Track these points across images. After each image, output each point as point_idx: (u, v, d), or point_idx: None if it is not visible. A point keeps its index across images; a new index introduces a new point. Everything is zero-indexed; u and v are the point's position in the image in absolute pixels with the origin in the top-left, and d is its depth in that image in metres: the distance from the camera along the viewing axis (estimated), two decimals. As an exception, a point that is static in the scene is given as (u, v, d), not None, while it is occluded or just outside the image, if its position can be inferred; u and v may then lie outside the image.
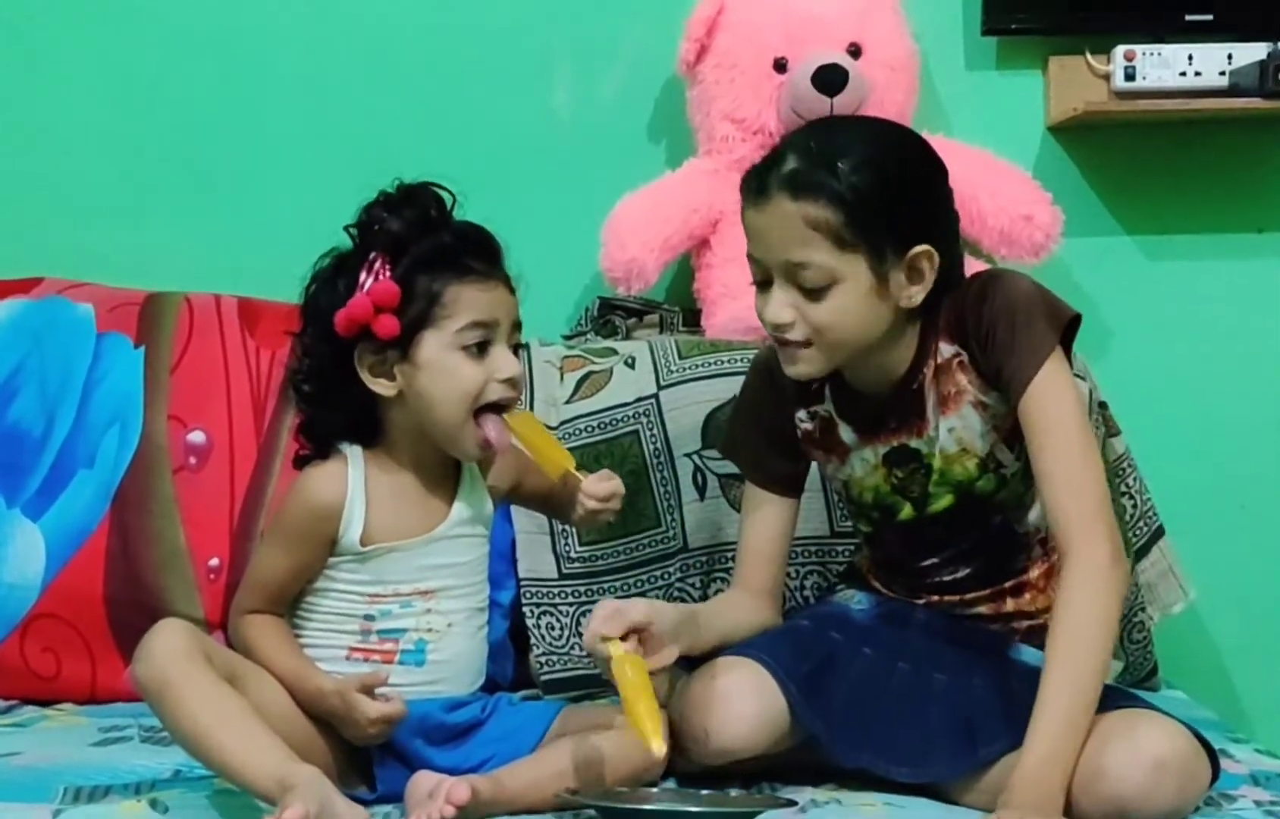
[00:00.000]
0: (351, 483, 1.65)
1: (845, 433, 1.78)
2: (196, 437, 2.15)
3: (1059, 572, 1.64)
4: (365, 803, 1.57)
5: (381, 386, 1.64)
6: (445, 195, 1.68)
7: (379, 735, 1.61)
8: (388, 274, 1.62)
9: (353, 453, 1.67)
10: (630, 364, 2.19)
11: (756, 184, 1.69)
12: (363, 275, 1.63)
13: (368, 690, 1.59)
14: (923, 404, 1.72)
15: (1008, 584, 1.77)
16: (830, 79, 2.27)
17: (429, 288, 1.62)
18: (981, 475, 1.72)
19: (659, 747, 1.52)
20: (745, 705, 1.66)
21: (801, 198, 1.64)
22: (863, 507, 1.80)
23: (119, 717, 1.93)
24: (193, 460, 2.14)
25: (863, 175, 1.64)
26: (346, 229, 1.68)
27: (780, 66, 2.31)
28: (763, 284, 1.70)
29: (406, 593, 1.66)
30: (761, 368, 1.85)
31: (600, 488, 1.74)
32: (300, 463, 1.70)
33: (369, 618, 1.65)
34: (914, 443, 1.74)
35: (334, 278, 1.66)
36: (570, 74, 2.43)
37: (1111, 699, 1.65)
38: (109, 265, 2.30)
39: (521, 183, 2.39)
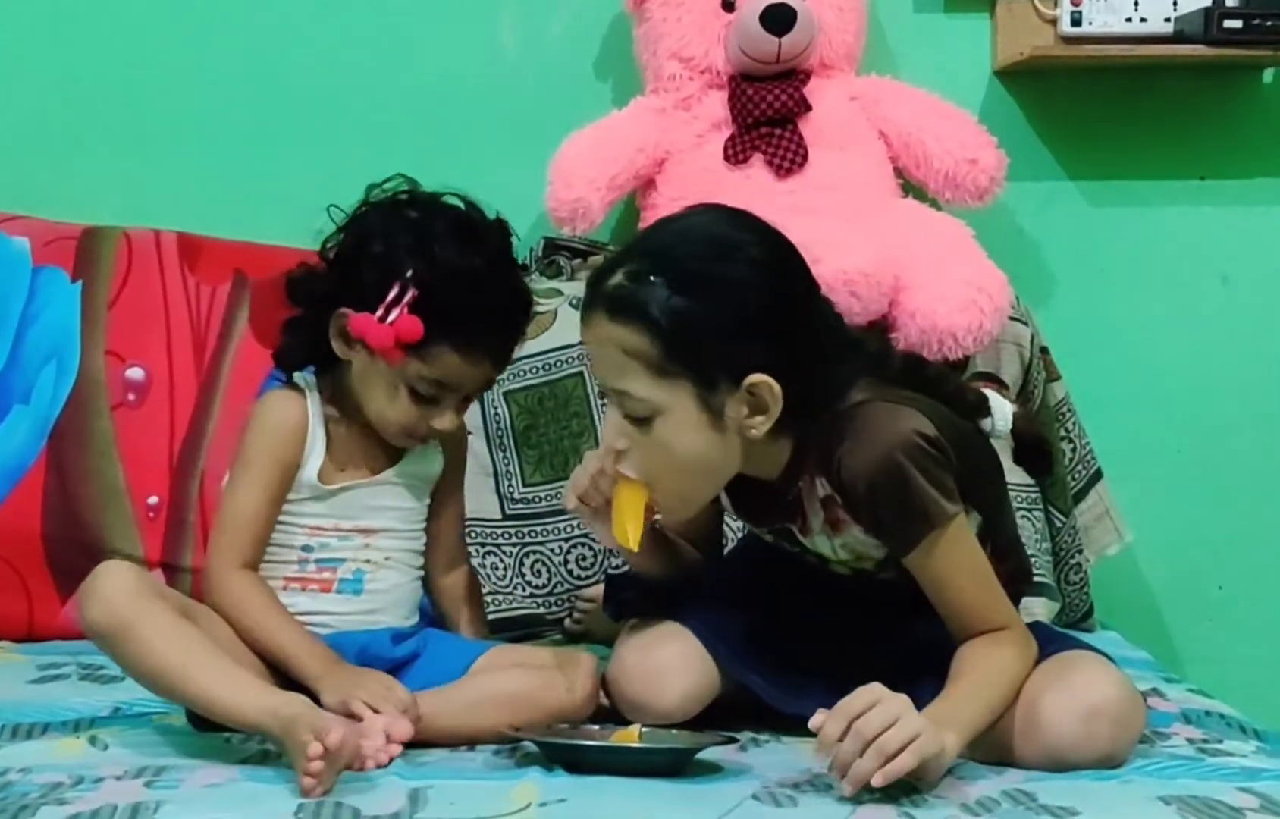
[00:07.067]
0: (311, 414, 1.66)
1: (730, 512, 1.73)
2: (135, 373, 2.13)
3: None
4: None
5: (339, 349, 1.65)
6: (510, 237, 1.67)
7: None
8: (409, 307, 1.58)
9: (310, 389, 1.67)
10: (575, 305, 2.18)
11: (585, 299, 1.56)
12: (392, 293, 1.59)
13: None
14: (803, 512, 1.61)
15: None
16: (778, 17, 2.25)
17: (427, 331, 1.59)
18: (881, 570, 1.65)
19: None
20: (678, 681, 1.65)
21: (618, 321, 1.50)
22: (764, 540, 1.73)
23: (57, 654, 1.92)
24: (131, 397, 2.12)
25: (684, 297, 1.48)
26: (390, 206, 1.65)
27: (728, 5, 2.29)
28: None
29: (347, 529, 1.66)
30: None
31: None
32: (279, 360, 1.70)
33: (306, 548, 1.65)
34: (802, 539, 1.64)
35: (363, 251, 1.63)
36: (516, 11, 2.40)
37: (1047, 639, 1.67)
38: (45, 198, 2.26)
39: (467, 121, 2.37)
